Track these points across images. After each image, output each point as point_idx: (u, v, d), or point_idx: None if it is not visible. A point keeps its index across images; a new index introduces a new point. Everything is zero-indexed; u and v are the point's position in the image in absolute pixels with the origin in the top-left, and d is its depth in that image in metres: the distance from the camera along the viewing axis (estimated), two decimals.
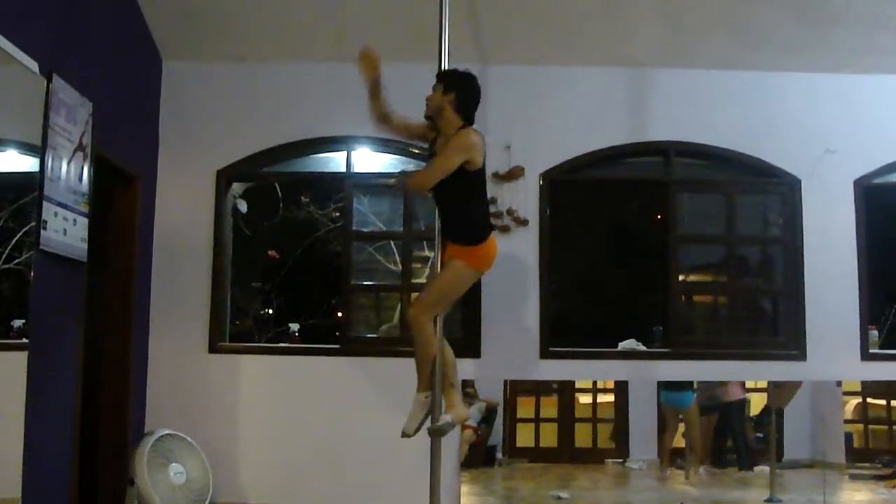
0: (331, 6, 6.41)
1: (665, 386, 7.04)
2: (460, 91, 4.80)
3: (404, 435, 4.86)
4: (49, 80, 4.91)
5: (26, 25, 4.70)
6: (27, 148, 4.83)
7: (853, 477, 6.86)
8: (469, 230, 4.81)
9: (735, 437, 7.27)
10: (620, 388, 6.94)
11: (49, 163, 4.91)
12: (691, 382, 7.02)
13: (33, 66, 4.75)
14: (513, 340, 6.68)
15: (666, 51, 6.78)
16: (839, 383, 6.80)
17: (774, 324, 7.26)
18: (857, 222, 6.83)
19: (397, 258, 7.53)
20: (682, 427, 7.06)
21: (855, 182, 6.87)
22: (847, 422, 6.96)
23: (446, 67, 5.02)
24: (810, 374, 6.74)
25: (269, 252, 9.39)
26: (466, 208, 4.82)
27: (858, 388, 7.14)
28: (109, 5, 6.00)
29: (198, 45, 6.82)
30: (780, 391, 6.93)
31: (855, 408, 7.17)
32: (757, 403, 7.27)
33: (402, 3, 6.30)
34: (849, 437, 6.95)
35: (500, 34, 6.61)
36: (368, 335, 7.58)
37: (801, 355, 6.73)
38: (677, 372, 6.80)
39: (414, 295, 6.78)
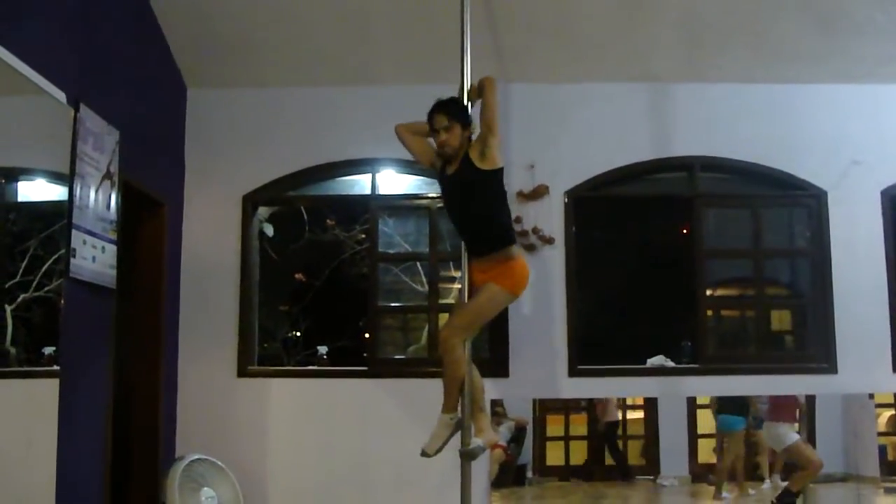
0: (352, 30, 6.45)
1: (719, 409, 7.00)
2: (469, 118, 4.91)
3: (424, 454, 4.87)
4: (76, 110, 4.97)
5: (54, 57, 4.76)
6: (55, 177, 4.88)
7: (888, 490, 6.77)
8: (507, 230, 4.93)
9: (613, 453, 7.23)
10: (650, 405, 6.90)
11: (77, 191, 4.96)
12: (745, 407, 6.95)
13: (61, 96, 4.81)
14: (541, 359, 6.67)
15: (687, 66, 6.78)
16: (871, 396, 6.73)
17: (804, 337, 7.22)
18: (886, 232, 6.79)
19: (423, 279, 7.54)
20: (711, 443, 7.01)
21: (882, 192, 6.83)
22: (880, 434, 6.88)
23: (468, 85, 5.05)
24: (842, 386, 6.69)
25: (296, 275, 9.42)
26: (501, 211, 4.93)
27: (891, 400, 7.05)
28: (134, 35, 6.07)
29: (222, 72, 6.87)
30: None
31: (888, 420, 7.09)
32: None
33: (424, 26, 6.34)
34: (882, 449, 6.87)
35: (521, 53, 6.64)
36: (396, 356, 7.59)
37: (831, 368, 6.67)
38: (707, 388, 6.77)
39: (442, 316, 6.85)
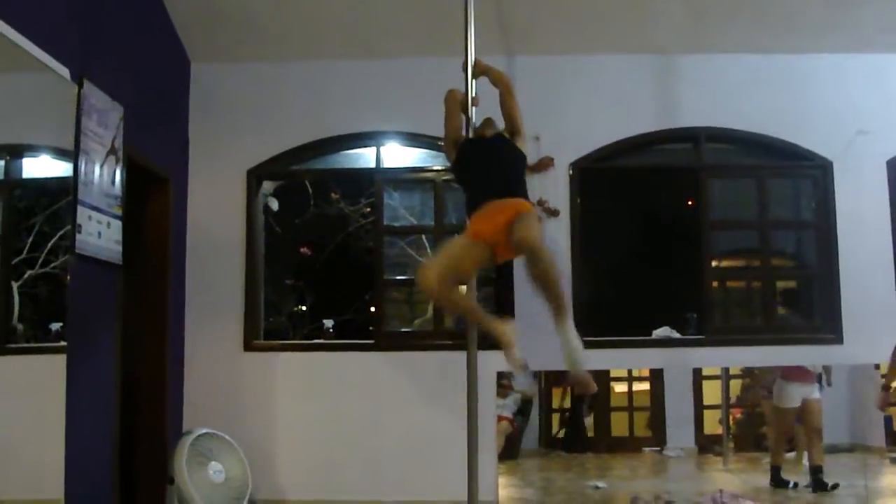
0: (356, 3, 6.43)
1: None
2: None
3: (521, 367, 4.86)
4: (80, 86, 4.97)
5: (57, 33, 4.75)
6: (60, 153, 4.89)
7: (894, 461, 6.78)
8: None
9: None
10: (656, 376, 6.91)
11: (82, 167, 4.96)
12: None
13: (65, 72, 4.80)
14: (546, 331, 6.61)
15: (691, 37, 6.75)
16: (877, 366, 6.73)
17: (810, 308, 7.23)
18: (892, 203, 6.78)
19: (429, 252, 7.54)
20: (718, 414, 7.01)
21: (888, 163, 6.82)
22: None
23: (472, 59, 5.03)
24: (848, 357, 6.70)
25: (302, 249, 9.43)
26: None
27: None
28: (137, 10, 6.06)
29: (225, 46, 6.85)
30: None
31: (894, 390, 7.09)
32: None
33: None
34: (888, 420, 6.87)
35: (525, 26, 6.61)
36: (402, 329, 7.60)
37: (837, 339, 6.70)
38: (713, 359, 6.78)
39: None
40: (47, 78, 4.65)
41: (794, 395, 6.78)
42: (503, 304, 6.73)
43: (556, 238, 6.73)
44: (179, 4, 6.47)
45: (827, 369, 6.76)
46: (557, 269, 4.58)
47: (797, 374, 6.76)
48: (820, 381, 6.79)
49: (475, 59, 5.03)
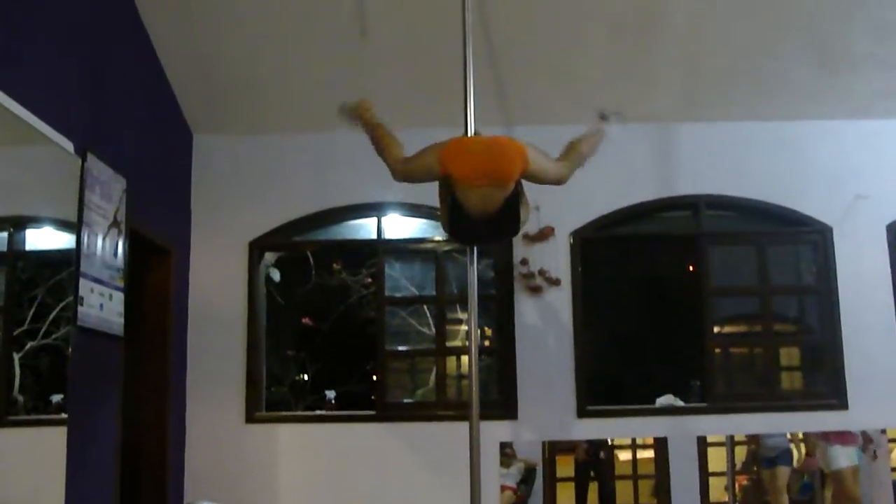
0: (355, 75, 6.50)
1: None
2: None
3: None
4: (84, 159, 5.00)
5: (61, 107, 4.81)
6: (63, 225, 4.91)
7: None
8: None
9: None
10: (660, 444, 6.86)
11: (85, 239, 4.98)
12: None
13: (69, 146, 4.85)
14: (549, 401, 6.66)
15: (688, 105, 6.82)
16: (883, 431, 6.69)
17: (813, 373, 7.20)
18: (892, 266, 6.80)
19: (430, 321, 7.54)
20: (723, 481, 6.94)
21: (887, 227, 6.86)
22: (894, 469, 6.82)
23: (472, 131, 5.09)
24: (853, 423, 6.67)
25: (303, 319, 9.41)
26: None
27: None
28: (141, 83, 6.13)
29: (227, 119, 6.93)
30: None
31: None
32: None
33: (427, 70, 6.39)
34: None
35: (523, 96, 6.68)
36: (404, 400, 7.57)
37: (842, 404, 6.67)
38: (717, 427, 6.74)
39: (449, 359, 6.91)
40: (51, 151, 4.70)
41: (841, 457, 6.73)
42: (505, 373, 6.72)
43: (558, 308, 6.74)
44: (182, 77, 6.55)
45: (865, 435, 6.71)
46: (577, 155, 5.30)
47: (842, 438, 6.73)
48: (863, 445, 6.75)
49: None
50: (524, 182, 4.89)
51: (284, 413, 7.51)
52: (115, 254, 5.41)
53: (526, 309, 6.77)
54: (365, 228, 7.17)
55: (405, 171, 4.99)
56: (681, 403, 6.86)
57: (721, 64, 6.49)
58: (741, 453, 6.90)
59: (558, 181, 5.07)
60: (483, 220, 4.72)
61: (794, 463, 6.83)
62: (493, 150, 4.81)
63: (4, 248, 4.52)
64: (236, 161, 7.05)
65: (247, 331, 6.84)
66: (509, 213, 4.78)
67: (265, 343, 7.09)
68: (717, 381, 6.89)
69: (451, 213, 4.82)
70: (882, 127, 6.95)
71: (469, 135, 5.10)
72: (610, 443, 6.91)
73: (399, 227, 7.14)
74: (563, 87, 6.63)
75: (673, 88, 6.68)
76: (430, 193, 5.29)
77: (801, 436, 6.84)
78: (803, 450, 6.86)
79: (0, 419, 4.39)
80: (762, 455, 6.85)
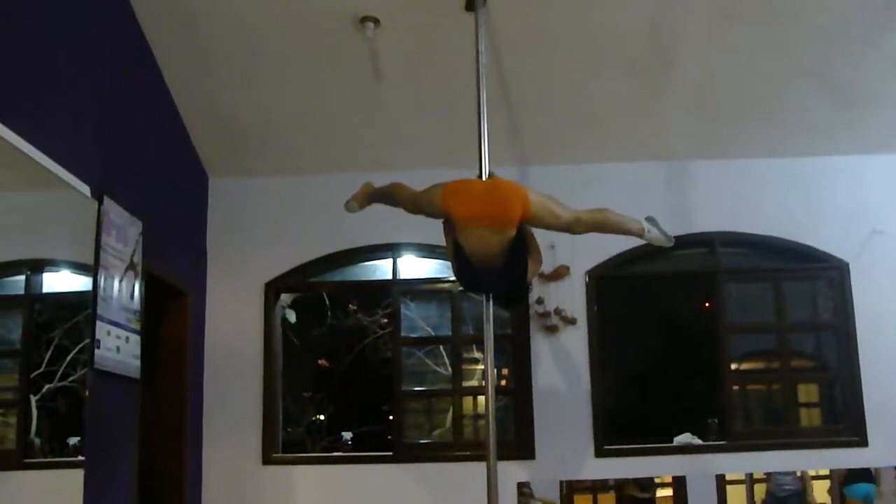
0: (369, 117, 6.54)
1: (846, 481, 6.84)
2: None
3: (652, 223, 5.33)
4: (100, 203, 5.04)
5: (78, 152, 4.84)
6: (80, 268, 4.93)
7: None
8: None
9: None
10: (679, 483, 6.81)
11: (101, 283, 5.01)
12: (869, 474, 6.79)
13: (85, 190, 4.88)
14: (567, 440, 6.62)
15: (703, 142, 6.83)
16: None
17: (832, 410, 7.15)
18: None
19: (447, 361, 7.53)
20: None
21: None
22: None
23: (487, 171, 5.10)
24: (873, 460, 6.60)
25: (320, 361, 9.43)
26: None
27: None
28: (157, 127, 6.18)
29: (242, 161, 6.97)
30: None
31: None
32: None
33: (441, 111, 6.42)
34: None
35: (537, 136, 6.71)
36: (421, 441, 7.54)
37: (861, 441, 6.61)
38: (735, 465, 6.69)
39: (465, 399, 6.87)
40: (68, 195, 4.73)
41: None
42: (522, 412, 6.69)
43: (574, 347, 6.72)
44: (198, 121, 6.60)
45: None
46: (602, 218, 5.04)
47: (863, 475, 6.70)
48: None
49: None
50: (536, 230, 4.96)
51: (301, 454, 7.50)
52: (132, 296, 5.43)
53: (542, 348, 6.75)
54: (380, 269, 7.18)
55: (414, 203, 5.08)
56: (699, 441, 6.80)
57: (736, 101, 6.50)
58: (760, 491, 6.85)
59: (569, 228, 4.92)
60: (488, 269, 4.72)
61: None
62: (491, 192, 4.83)
63: (22, 291, 4.54)
64: (252, 203, 7.08)
65: (263, 372, 6.84)
66: (514, 263, 4.77)
67: (281, 384, 7.08)
68: (735, 419, 6.84)
69: (455, 257, 4.86)
70: None
71: (483, 176, 5.10)
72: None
73: (414, 267, 7.15)
74: (578, 126, 6.65)
75: (688, 126, 6.69)
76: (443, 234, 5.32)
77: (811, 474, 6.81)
78: (814, 489, 6.82)
79: (17, 461, 4.39)
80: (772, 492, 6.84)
